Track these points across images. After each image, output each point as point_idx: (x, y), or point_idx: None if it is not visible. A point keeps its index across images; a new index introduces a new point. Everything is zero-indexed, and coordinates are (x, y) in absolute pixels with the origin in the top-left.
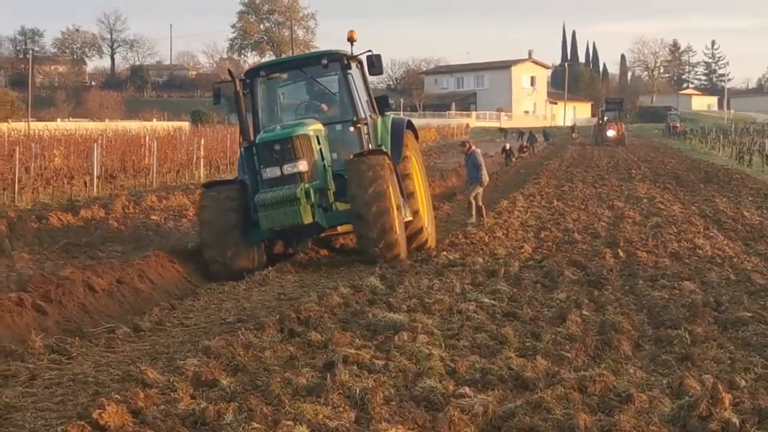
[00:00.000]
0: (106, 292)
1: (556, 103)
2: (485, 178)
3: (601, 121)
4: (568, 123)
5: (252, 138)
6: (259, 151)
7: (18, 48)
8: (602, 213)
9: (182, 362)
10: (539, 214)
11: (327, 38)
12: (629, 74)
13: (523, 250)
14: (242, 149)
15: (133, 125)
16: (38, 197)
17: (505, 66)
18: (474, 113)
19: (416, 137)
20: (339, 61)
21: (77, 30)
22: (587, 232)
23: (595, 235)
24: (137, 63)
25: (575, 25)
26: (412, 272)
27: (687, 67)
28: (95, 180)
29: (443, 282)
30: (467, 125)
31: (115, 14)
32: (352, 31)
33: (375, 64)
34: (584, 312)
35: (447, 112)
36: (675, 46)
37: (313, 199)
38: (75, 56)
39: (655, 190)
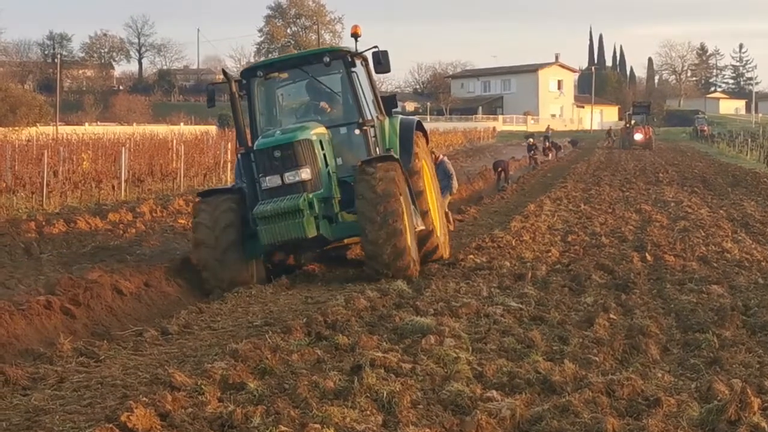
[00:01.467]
0: (134, 296)
1: (583, 107)
2: (455, 186)
3: (628, 125)
4: (595, 126)
5: (249, 143)
6: (258, 158)
7: (46, 53)
8: (630, 217)
9: (210, 365)
10: (566, 218)
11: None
12: (656, 78)
13: (550, 253)
14: (239, 156)
15: (161, 129)
16: (66, 201)
17: (532, 70)
18: (501, 117)
19: (426, 139)
20: (342, 58)
21: (105, 34)
22: (614, 235)
23: (623, 238)
24: (165, 67)
25: (602, 28)
26: (439, 276)
27: (714, 70)
28: (123, 184)
29: (470, 285)
30: (494, 129)
31: (142, 19)
32: (356, 26)
33: (381, 61)
34: (612, 316)
35: (474, 116)
36: (702, 49)
37: (317, 210)
38: (103, 60)
39: (682, 193)
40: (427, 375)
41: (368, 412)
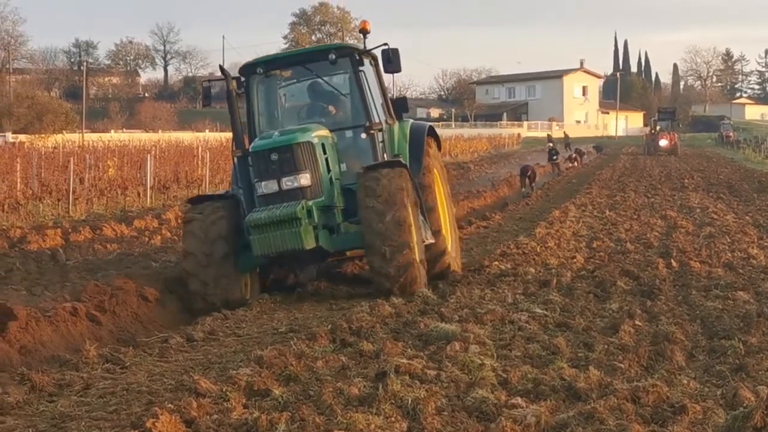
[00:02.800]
0: (159, 302)
1: (607, 113)
2: None
3: (653, 131)
4: (620, 133)
5: (247, 146)
6: (254, 161)
7: (72, 60)
8: (655, 223)
9: (235, 372)
10: (591, 224)
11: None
12: (681, 83)
13: (575, 260)
14: (235, 159)
15: (186, 136)
16: (92, 208)
17: (557, 76)
18: (525, 123)
19: (439, 145)
20: (349, 56)
21: (131, 42)
22: (640, 242)
23: (648, 245)
24: (190, 74)
25: (627, 34)
26: (464, 282)
27: (740, 76)
28: (149, 191)
29: (495, 292)
30: (518, 135)
31: (168, 26)
32: (365, 22)
33: (392, 59)
34: (637, 322)
35: (498, 122)
36: (728, 55)
37: (316, 220)
38: (128, 68)
39: (708, 199)
40: (452, 382)
41: (393, 419)
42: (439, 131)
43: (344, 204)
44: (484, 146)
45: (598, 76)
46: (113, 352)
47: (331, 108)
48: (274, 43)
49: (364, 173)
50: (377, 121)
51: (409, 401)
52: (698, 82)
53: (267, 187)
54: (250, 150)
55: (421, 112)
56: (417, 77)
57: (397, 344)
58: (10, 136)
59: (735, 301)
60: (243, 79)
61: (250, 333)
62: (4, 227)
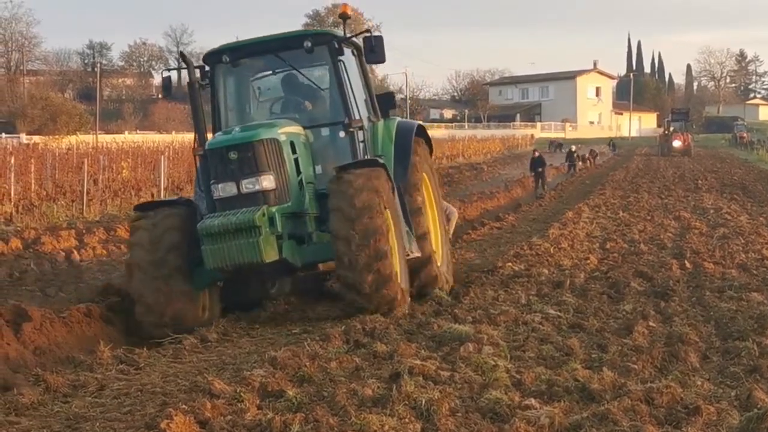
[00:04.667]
0: None
1: (621, 114)
2: (451, 209)
3: (667, 132)
4: (633, 134)
5: None
6: (211, 160)
7: (86, 62)
8: (668, 224)
9: (249, 373)
10: (605, 225)
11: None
12: (695, 84)
13: (588, 261)
14: (198, 158)
15: None
16: (106, 209)
17: (570, 77)
18: (539, 124)
19: (430, 147)
20: (327, 44)
21: (144, 43)
22: (653, 243)
23: (662, 246)
24: None
25: (640, 35)
26: (477, 283)
27: (754, 76)
28: (162, 192)
29: (508, 293)
30: (532, 136)
31: (181, 27)
32: (345, 5)
33: (375, 48)
34: (651, 323)
35: (512, 123)
36: (742, 55)
37: (280, 228)
38: (142, 69)
39: (721, 200)
40: (466, 383)
41: (406, 420)
42: (452, 132)
43: (318, 211)
44: (497, 147)
45: (612, 77)
46: (127, 354)
47: (307, 103)
48: None
49: (335, 176)
50: (357, 118)
51: (423, 402)
52: (712, 83)
53: (224, 189)
54: (206, 147)
55: (434, 113)
56: (430, 78)
57: (410, 345)
58: (24, 138)
59: (749, 302)
60: (207, 68)
61: (264, 334)
62: (19, 228)
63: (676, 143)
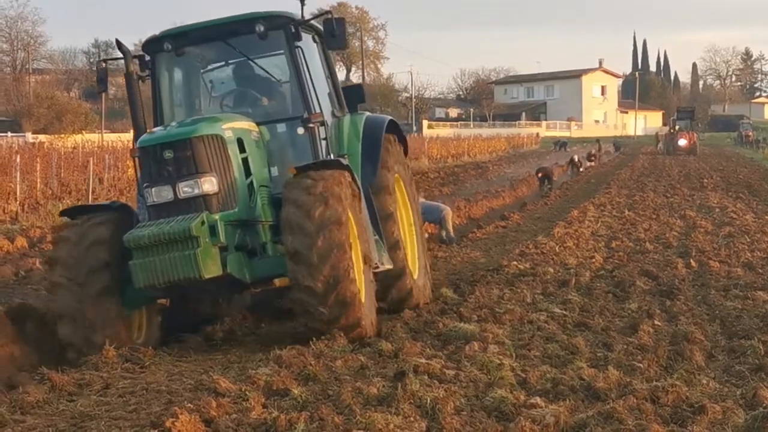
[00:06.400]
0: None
1: (626, 113)
2: (441, 207)
3: (672, 130)
4: (639, 132)
5: None
6: (143, 160)
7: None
8: (674, 223)
9: (254, 371)
10: (610, 224)
11: (398, 49)
12: (701, 83)
13: (594, 260)
14: (136, 161)
15: None
16: None
17: (576, 75)
18: (544, 123)
19: (405, 145)
20: (283, 27)
21: None
22: (659, 241)
23: (667, 244)
24: None
25: (646, 33)
26: (482, 282)
27: (759, 75)
28: None
29: (514, 292)
30: (537, 135)
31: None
32: None
33: (336, 33)
34: (656, 322)
35: (517, 122)
36: (747, 54)
37: (223, 238)
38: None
39: (727, 199)
40: (471, 381)
41: (412, 419)
42: (457, 131)
43: (273, 218)
44: (502, 146)
45: (617, 76)
46: (133, 352)
47: (262, 96)
48: None
49: (290, 180)
50: (318, 111)
51: (428, 401)
52: (717, 82)
53: (159, 194)
54: (137, 145)
55: (439, 112)
56: (435, 77)
57: (415, 344)
58: (29, 137)
59: (754, 301)
60: (148, 57)
61: (269, 332)
62: (24, 227)
63: (682, 142)
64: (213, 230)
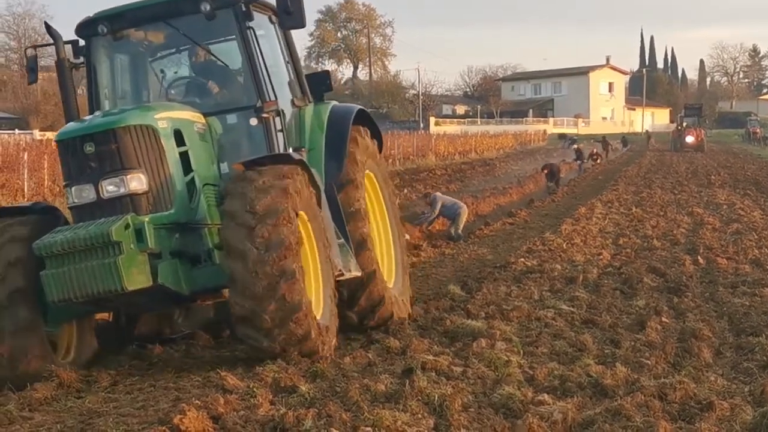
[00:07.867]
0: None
1: (634, 109)
2: (459, 204)
3: (680, 127)
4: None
5: None
6: (62, 155)
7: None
8: (681, 219)
9: (261, 368)
10: (617, 221)
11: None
12: (708, 80)
13: (601, 256)
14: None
15: None
16: None
17: (583, 72)
18: (551, 120)
19: (379, 140)
20: (231, 6)
21: None
22: (666, 238)
23: (675, 241)
24: None
25: (653, 30)
26: (490, 279)
27: (767, 72)
28: None
29: (521, 289)
30: (544, 132)
31: None
32: None
33: (291, 10)
34: (664, 319)
35: (524, 118)
36: (755, 51)
37: (151, 244)
38: None
39: (734, 196)
40: (478, 378)
41: (419, 416)
42: (464, 128)
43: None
44: (509, 143)
45: (625, 73)
46: (140, 349)
47: (211, 84)
48: (299, 41)
49: (234, 177)
50: (272, 99)
51: (436, 398)
52: (725, 79)
53: (80, 194)
54: (55, 138)
55: (446, 109)
56: (442, 74)
57: (423, 341)
58: (37, 134)
59: (762, 297)
60: (82, 43)
61: None
62: None
63: (689, 139)
64: (139, 234)
